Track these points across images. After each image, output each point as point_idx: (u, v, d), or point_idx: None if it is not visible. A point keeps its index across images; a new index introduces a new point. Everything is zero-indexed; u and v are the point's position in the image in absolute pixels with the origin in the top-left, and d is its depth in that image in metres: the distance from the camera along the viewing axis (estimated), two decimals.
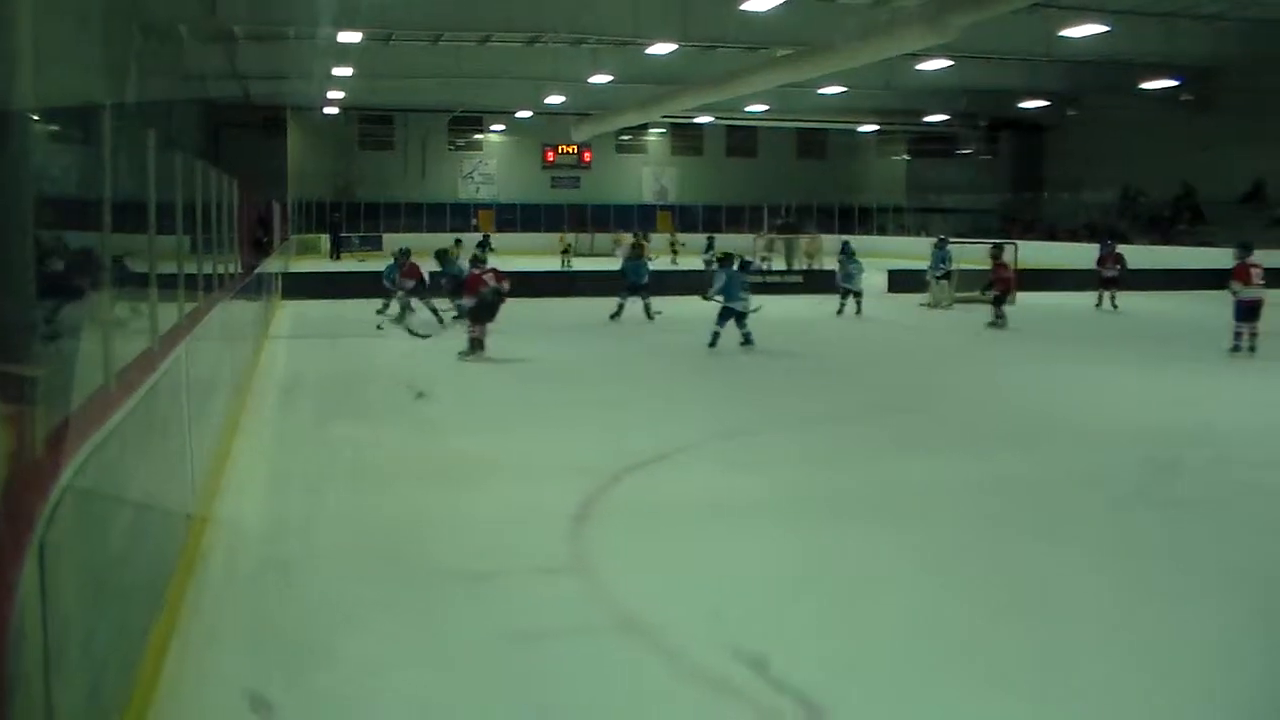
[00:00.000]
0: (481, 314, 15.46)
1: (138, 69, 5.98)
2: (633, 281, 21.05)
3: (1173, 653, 5.50)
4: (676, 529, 7.54)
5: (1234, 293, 16.57)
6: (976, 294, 22.87)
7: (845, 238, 28.58)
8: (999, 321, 20.07)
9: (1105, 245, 25.14)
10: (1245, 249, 16.64)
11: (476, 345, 15.42)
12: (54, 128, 5.04)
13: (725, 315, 16.46)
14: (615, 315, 20.88)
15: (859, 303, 22.66)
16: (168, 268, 6.93)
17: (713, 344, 16.31)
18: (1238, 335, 16.58)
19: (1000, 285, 20.80)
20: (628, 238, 39.15)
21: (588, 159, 54.59)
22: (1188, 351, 17.46)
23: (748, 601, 6.13)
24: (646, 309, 20.90)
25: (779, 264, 33.71)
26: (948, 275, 24.43)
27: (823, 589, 6.43)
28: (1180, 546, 7.33)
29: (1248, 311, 16.48)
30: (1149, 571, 6.78)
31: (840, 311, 22.57)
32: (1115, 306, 23.94)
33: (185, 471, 6.53)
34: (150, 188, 5.99)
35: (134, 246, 5.94)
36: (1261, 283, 16.42)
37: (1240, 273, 16.48)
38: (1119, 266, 24.36)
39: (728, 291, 16.42)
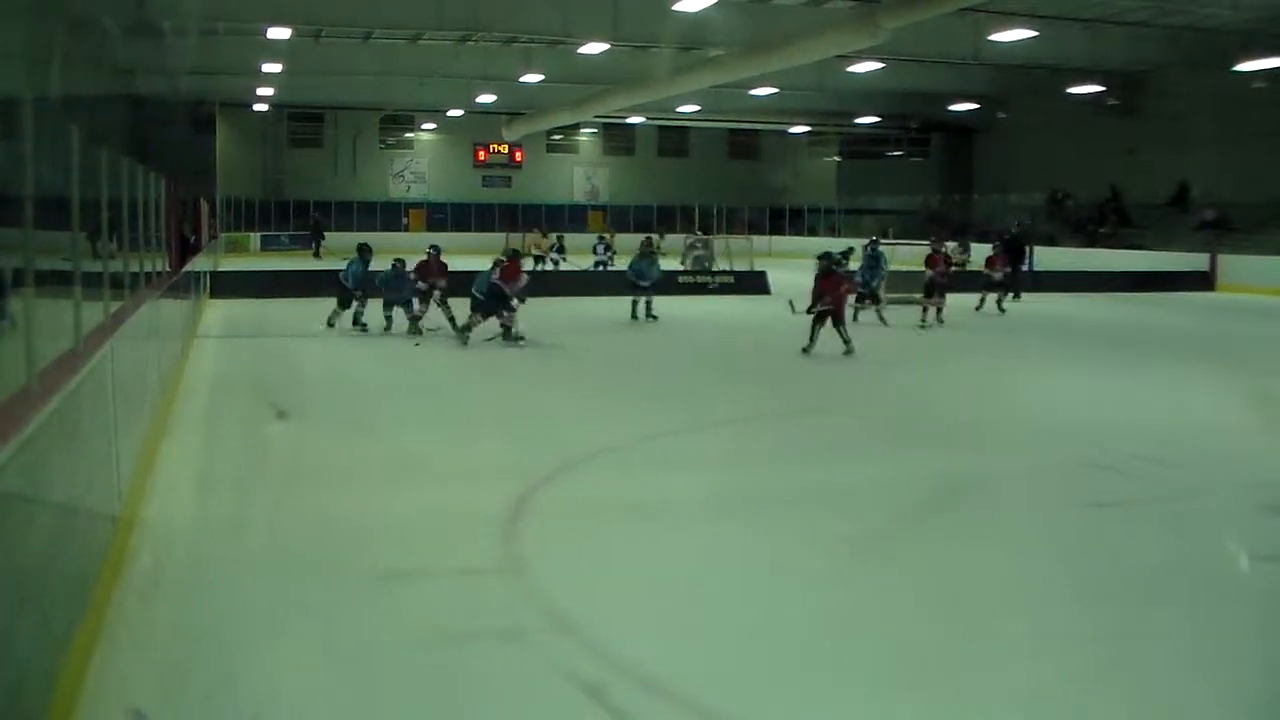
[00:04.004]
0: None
1: (62, 62, 5.86)
2: (643, 281, 20.79)
3: (1098, 653, 5.56)
4: (605, 529, 7.54)
5: (926, 275, 20.70)
6: (907, 295, 22.98)
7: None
8: (809, 346, 16.13)
9: (995, 246, 24.76)
10: (940, 243, 22.18)
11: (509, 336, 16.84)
12: None
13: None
14: (634, 315, 20.77)
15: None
16: (92, 266, 6.82)
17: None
18: (937, 309, 20.60)
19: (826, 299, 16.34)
20: (544, 241, 39.11)
21: (519, 158, 54.44)
22: (1105, 352, 17.75)
23: (674, 603, 6.14)
24: (648, 307, 20.80)
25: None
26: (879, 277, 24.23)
27: (750, 588, 6.46)
28: (1106, 546, 7.42)
29: (940, 290, 20.65)
30: (1074, 571, 6.85)
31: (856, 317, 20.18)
32: (1002, 310, 23.46)
33: (111, 473, 6.42)
34: (74, 184, 5.88)
35: (57, 244, 5.83)
36: (945, 269, 21.08)
37: (933, 260, 20.82)
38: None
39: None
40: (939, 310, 20.69)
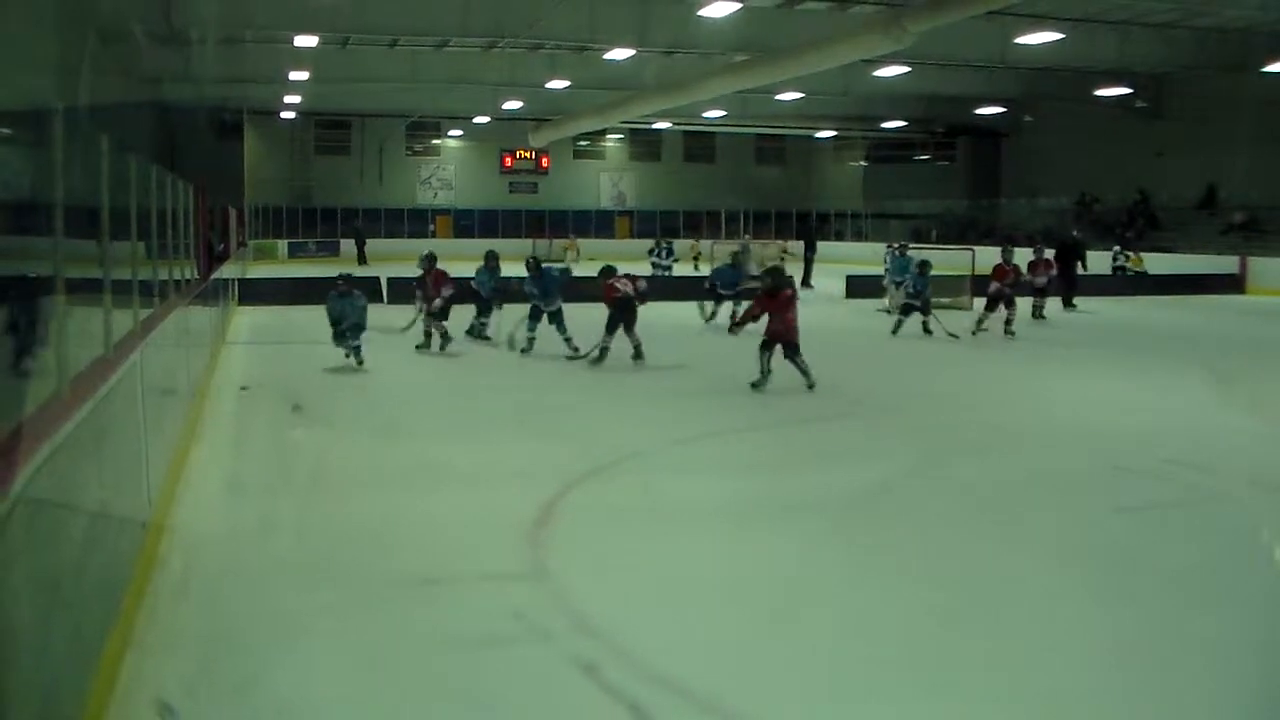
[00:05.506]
0: (618, 321, 15.43)
1: (91, 71, 5.92)
2: (724, 290, 20.52)
3: (1123, 656, 5.54)
4: (632, 534, 7.55)
5: (989, 290, 19.80)
6: (936, 300, 22.76)
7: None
8: (760, 381, 13.32)
9: (1037, 252, 23.53)
10: (1010, 252, 20.66)
11: (605, 354, 15.51)
12: (4, 131, 4.98)
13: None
14: (709, 319, 20.59)
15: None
16: (122, 273, 6.86)
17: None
18: (1007, 321, 19.66)
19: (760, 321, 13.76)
20: (574, 243, 39.03)
21: (545, 165, 54.47)
22: (1135, 356, 17.69)
23: (699, 606, 6.15)
24: (732, 317, 19.96)
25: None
26: (905, 281, 23.58)
27: (775, 591, 6.46)
28: (1134, 550, 7.38)
29: (1007, 301, 19.66)
30: (1101, 575, 6.82)
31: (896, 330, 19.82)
32: (1043, 316, 22.92)
33: (141, 479, 6.47)
34: (103, 192, 5.92)
35: (87, 252, 5.87)
36: (1014, 279, 19.93)
37: (1001, 271, 19.80)
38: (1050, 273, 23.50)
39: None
40: (1008, 322, 19.66)
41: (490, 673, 5.22)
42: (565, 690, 5.02)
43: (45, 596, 4.01)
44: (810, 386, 13.30)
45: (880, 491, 8.80)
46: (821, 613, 6.13)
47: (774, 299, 13.46)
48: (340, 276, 15.78)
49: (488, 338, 17.82)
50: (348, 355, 15.00)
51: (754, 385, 13.32)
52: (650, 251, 31.21)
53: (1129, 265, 32.23)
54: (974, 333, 19.52)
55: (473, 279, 17.94)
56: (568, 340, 16.22)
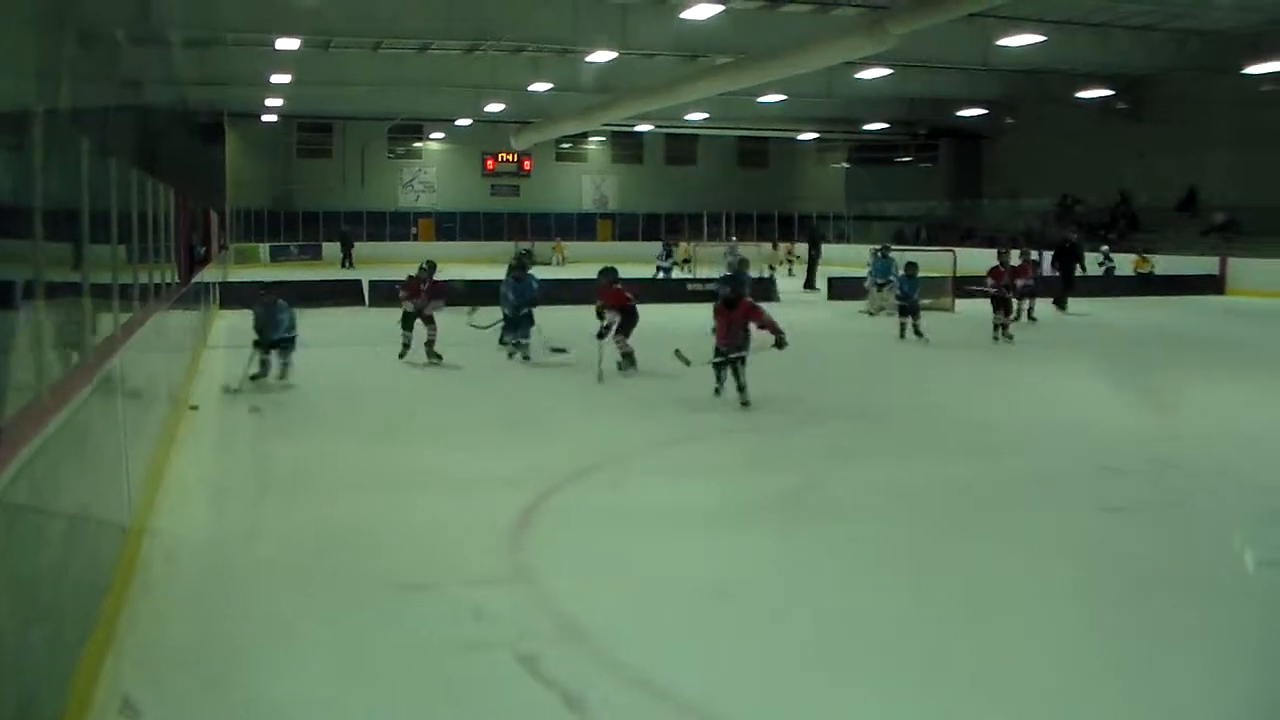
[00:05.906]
0: (628, 325, 15.17)
1: (71, 74, 5.89)
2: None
3: (1106, 654, 5.54)
4: (616, 536, 7.52)
5: (989, 289, 19.41)
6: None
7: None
8: (718, 386, 12.89)
9: (1024, 254, 22.57)
10: (1006, 254, 20.32)
11: (630, 360, 15.10)
12: None
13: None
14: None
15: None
16: (102, 277, 6.83)
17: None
18: (997, 327, 19.21)
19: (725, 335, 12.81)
20: (560, 246, 38.92)
21: (528, 167, 54.55)
22: (1117, 356, 17.74)
23: (684, 609, 6.14)
24: None
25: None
26: (888, 283, 23.27)
27: (761, 593, 6.46)
28: (1116, 549, 7.40)
29: (1002, 304, 19.41)
30: (1084, 574, 6.85)
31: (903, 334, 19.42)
32: (1034, 318, 22.80)
33: (121, 484, 6.44)
34: (83, 196, 5.90)
35: (67, 256, 5.84)
36: (1009, 280, 19.57)
37: (995, 273, 19.47)
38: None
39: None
40: (1005, 327, 19.34)
41: (473, 676, 5.20)
42: (548, 693, 5.00)
43: (25, 601, 3.99)
44: (745, 404, 12.42)
45: (871, 491, 8.82)
46: (809, 613, 6.12)
47: (733, 309, 12.76)
48: (261, 286, 15.59)
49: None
50: (257, 371, 14.17)
51: (716, 392, 12.91)
52: (659, 256, 31.46)
53: (1137, 266, 32.51)
54: (995, 339, 19.15)
55: (503, 283, 17.27)
56: (521, 343, 16.28)
